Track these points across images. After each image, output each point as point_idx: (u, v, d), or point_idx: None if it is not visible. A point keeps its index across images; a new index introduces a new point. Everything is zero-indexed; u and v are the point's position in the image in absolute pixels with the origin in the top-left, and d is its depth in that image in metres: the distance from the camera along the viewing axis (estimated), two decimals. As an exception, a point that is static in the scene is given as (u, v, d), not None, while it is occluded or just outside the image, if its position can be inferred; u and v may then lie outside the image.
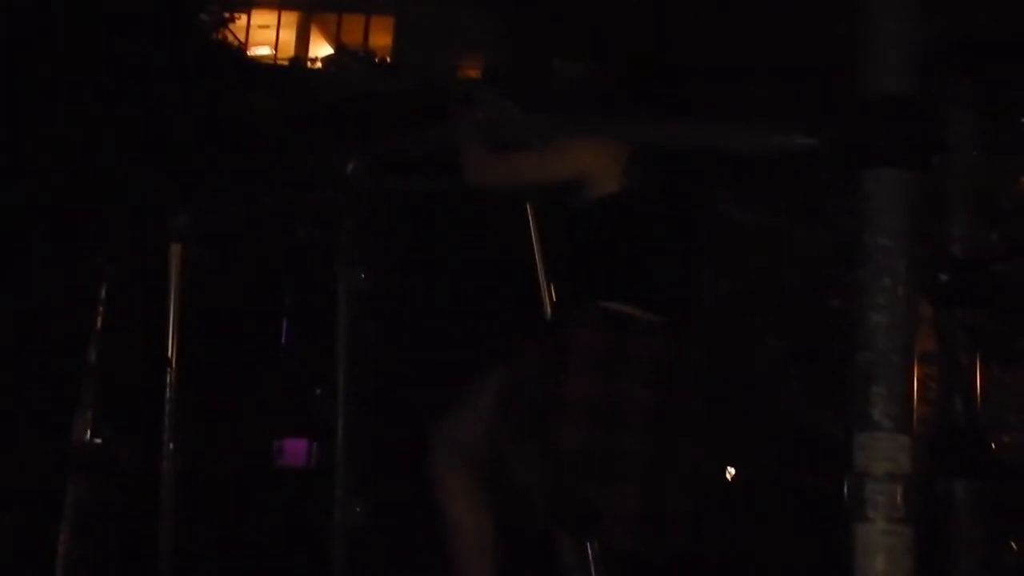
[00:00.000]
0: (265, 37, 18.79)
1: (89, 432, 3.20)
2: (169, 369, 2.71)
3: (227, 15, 7.28)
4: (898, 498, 1.02)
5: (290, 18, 19.69)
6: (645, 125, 1.81)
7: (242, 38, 13.78)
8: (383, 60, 15.06)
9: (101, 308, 3.16)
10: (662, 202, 2.10)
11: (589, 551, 2.03)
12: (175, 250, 2.72)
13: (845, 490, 1.05)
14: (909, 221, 1.17)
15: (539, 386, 2.00)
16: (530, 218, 2.37)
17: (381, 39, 18.09)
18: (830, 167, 1.29)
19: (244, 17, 13.84)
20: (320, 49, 18.43)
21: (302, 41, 19.44)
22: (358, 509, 2.16)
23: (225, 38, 7.39)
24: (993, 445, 1.84)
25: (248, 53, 14.36)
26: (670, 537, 2.02)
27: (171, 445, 2.66)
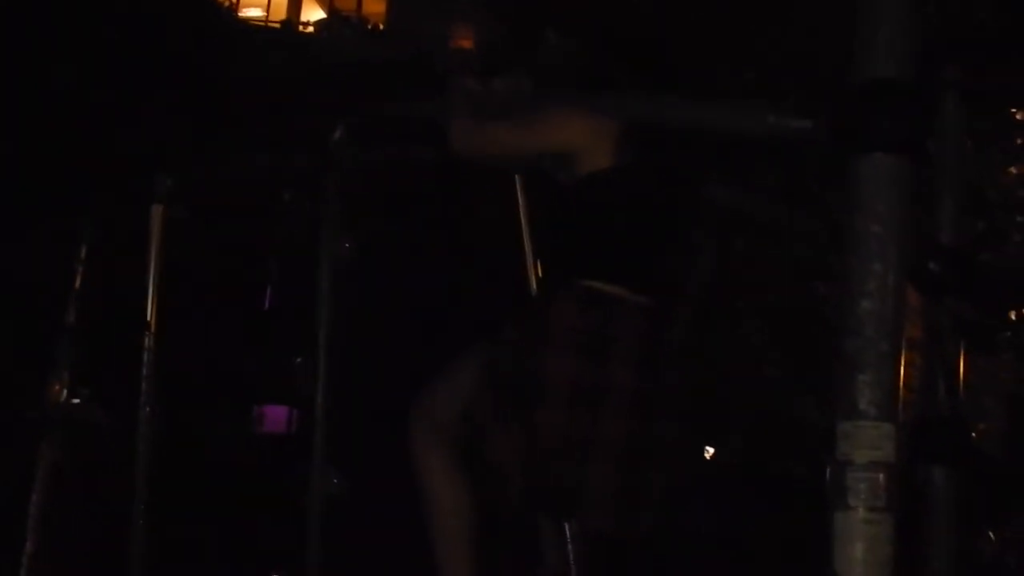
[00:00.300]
0: (257, -1, 18.60)
1: (65, 393, 3.16)
2: (148, 332, 2.68)
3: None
4: (880, 486, 1.02)
5: (283, -20, 19.49)
6: (641, 102, 1.78)
7: (233, -1, 13.62)
8: (376, 27, 14.93)
9: (80, 268, 3.11)
10: (652, 181, 2.08)
11: (567, 531, 2.02)
12: (156, 211, 2.69)
13: (827, 477, 1.04)
14: (901, 208, 1.16)
15: (520, 365, 1.99)
16: (518, 192, 2.35)
17: (375, 6, 17.93)
18: (824, 150, 1.27)
19: (236, -22, 13.68)
20: (313, 13, 18.26)
21: (294, 4, 19.25)
22: (335, 479, 2.15)
23: (216, -2, 7.31)
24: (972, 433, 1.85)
25: (239, 14, 14.20)
26: (646, 518, 2.01)
27: (147, 409, 2.65)
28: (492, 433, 1.98)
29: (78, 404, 3.29)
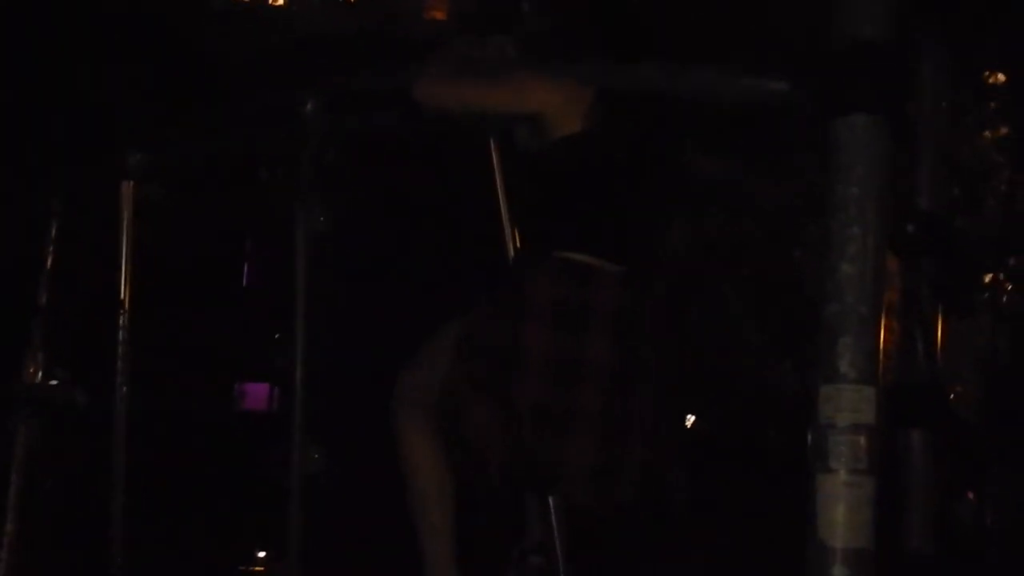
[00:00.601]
0: (225, -28, 18.29)
1: (41, 374, 3.13)
2: (121, 311, 2.65)
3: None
4: (861, 449, 1.02)
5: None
6: (616, 69, 1.77)
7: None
8: (346, -1, 14.74)
9: (51, 247, 3.06)
10: (625, 147, 2.06)
11: (551, 504, 2.02)
12: (127, 188, 2.65)
13: (808, 441, 1.04)
14: (880, 170, 1.15)
15: (496, 339, 1.98)
16: (494, 162, 2.33)
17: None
18: (802, 113, 1.26)
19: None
20: (282, -13, 17.98)
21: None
22: (316, 455, 2.14)
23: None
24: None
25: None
26: (626, 492, 2.01)
27: (123, 388, 2.62)
28: (469, 407, 1.97)
29: (55, 385, 3.26)
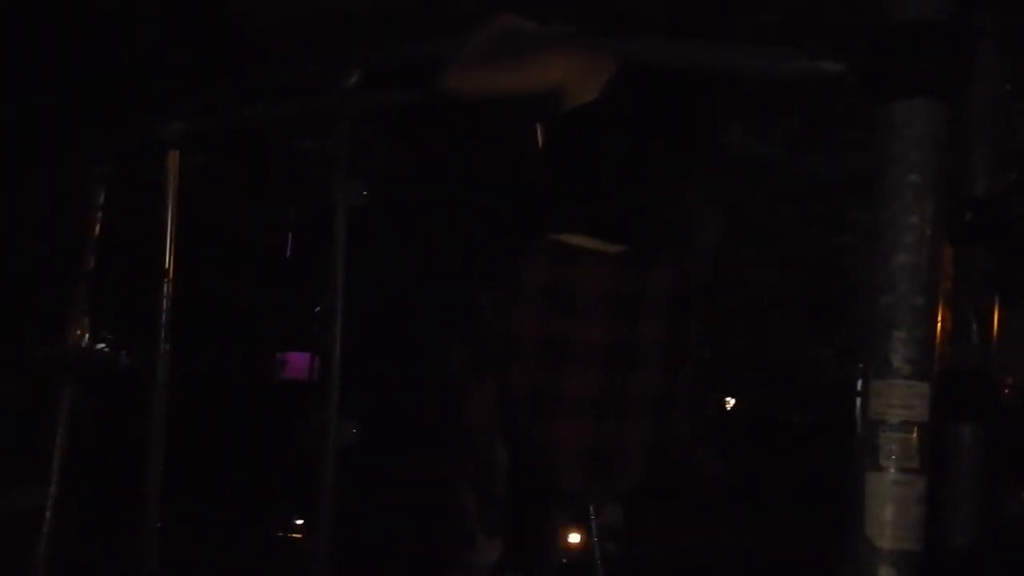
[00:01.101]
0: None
1: (86, 337, 3.16)
2: (165, 279, 2.67)
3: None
4: (913, 447, 0.98)
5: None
6: (666, 45, 1.72)
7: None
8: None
9: (98, 215, 3.09)
10: (634, 120, 1.99)
11: (591, 511, 2.00)
12: (172, 156, 2.66)
13: (858, 436, 1.01)
14: (938, 155, 1.10)
15: (494, 323, 1.96)
16: (538, 137, 2.30)
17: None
18: (855, 95, 1.22)
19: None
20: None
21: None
22: (353, 430, 2.14)
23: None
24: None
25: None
26: (630, 477, 1.97)
27: (165, 354, 2.64)
28: (471, 393, 1.96)
29: (99, 348, 3.30)
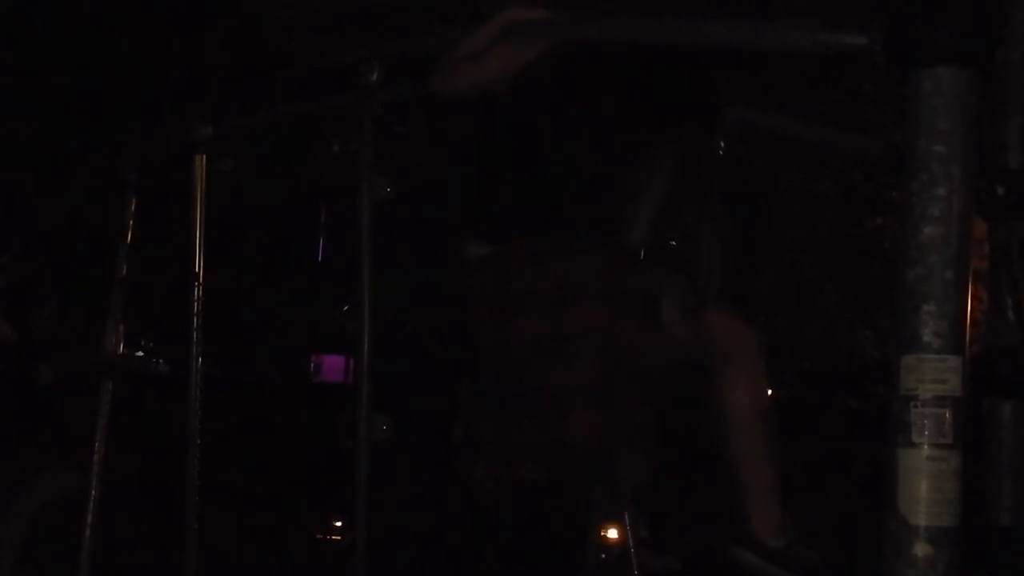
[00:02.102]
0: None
1: (122, 344, 3.19)
2: (196, 283, 2.68)
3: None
4: (946, 422, 0.96)
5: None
6: (687, 25, 1.70)
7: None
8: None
9: (131, 220, 3.11)
10: (543, 116, 1.99)
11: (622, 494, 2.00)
12: (199, 161, 2.67)
13: (891, 413, 0.99)
14: (966, 126, 1.08)
15: (475, 335, 2.03)
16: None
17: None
18: (881, 68, 1.19)
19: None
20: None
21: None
22: (384, 426, 2.14)
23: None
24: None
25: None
26: (575, 466, 1.97)
27: (198, 359, 2.66)
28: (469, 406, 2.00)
29: (135, 355, 3.33)
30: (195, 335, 2.68)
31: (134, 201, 3.08)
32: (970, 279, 1.06)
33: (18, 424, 4.00)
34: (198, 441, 2.58)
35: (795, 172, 7.59)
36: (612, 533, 2.25)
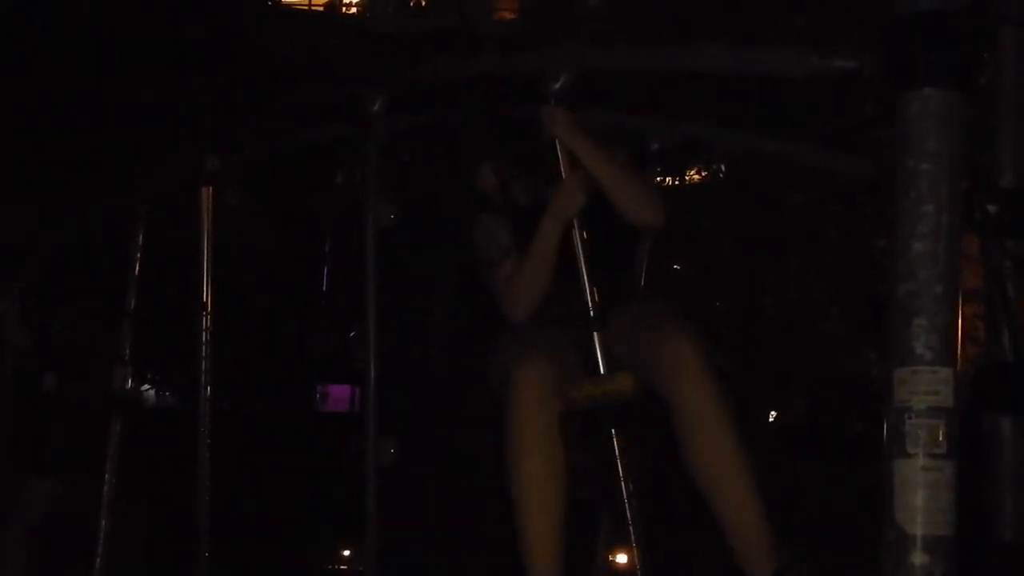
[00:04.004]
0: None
1: (130, 379, 3.22)
2: (204, 313, 2.71)
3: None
4: (940, 433, 0.98)
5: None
6: (682, 53, 1.74)
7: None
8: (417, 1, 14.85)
9: (138, 254, 3.15)
10: None
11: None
12: (205, 193, 2.71)
13: (885, 426, 1.01)
14: (953, 144, 1.11)
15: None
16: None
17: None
18: (870, 91, 1.23)
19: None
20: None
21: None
22: (391, 449, 2.16)
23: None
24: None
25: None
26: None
27: (207, 389, 2.68)
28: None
29: (143, 388, 3.35)
30: (204, 364, 2.71)
31: (141, 233, 3.12)
32: (960, 296, 1.08)
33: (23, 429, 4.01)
34: (208, 471, 2.60)
35: (798, 193, 7.62)
36: (621, 558, 2.26)
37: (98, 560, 2.94)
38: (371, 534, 2.05)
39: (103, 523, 3.01)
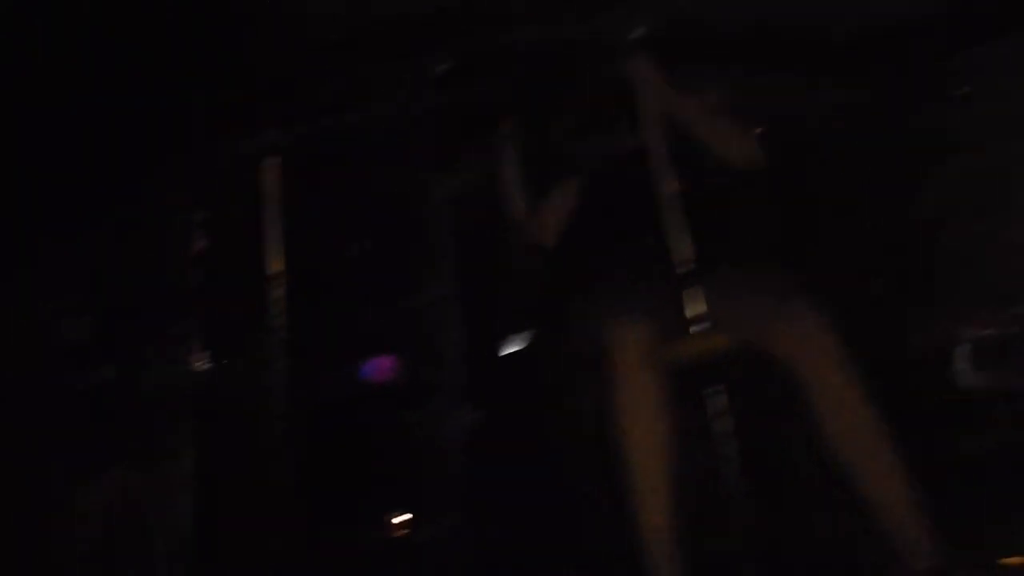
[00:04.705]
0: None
1: (201, 357, 3.22)
2: (272, 285, 2.70)
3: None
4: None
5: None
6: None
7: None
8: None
9: (201, 230, 3.14)
10: None
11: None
12: (269, 164, 2.69)
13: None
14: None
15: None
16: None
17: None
18: (947, 39, 1.15)
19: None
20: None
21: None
22: (468, 416, 2.14)
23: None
24: None
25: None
26: None
27: (279, 363, 2.67)
28: None
29: (216, 367, 3.36)
30: (274, 338, 2.70)
31: (203, 211, 3.11)
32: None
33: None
34: (284, 448, 2.59)
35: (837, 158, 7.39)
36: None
37: (181, 545, 2.95)
38: (444, 503, 2.03)
39: (184, 507, 3.02)
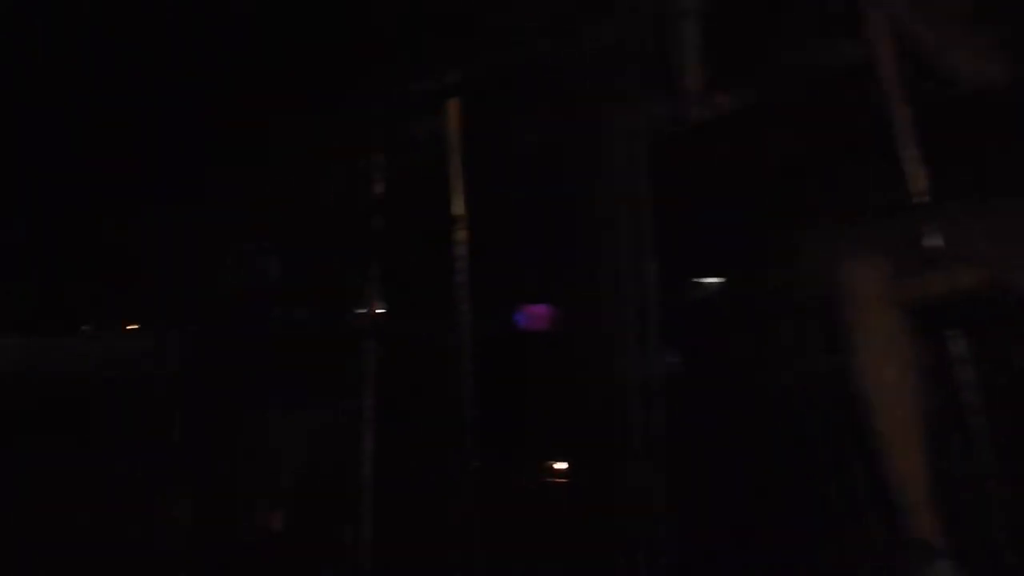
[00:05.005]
0: None
1: (382, 305, 3.23)
2: (456, 226, 2.64)
3: None
4: None
5: None
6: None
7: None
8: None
9: (380, 175, 3.12)
10: None
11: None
12: (452, 105, 2.63)
13: None
14: None
15: None
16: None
17: None
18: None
19: None
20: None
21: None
22: (653, 360, 2.03)
23: None
24: None
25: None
26: None
27: (463, 305, 2.63)
28: None
29: (392, 316, 3.35)
30: (458, 282, 2.65)
31: (384, 156, 3.09)
32: None
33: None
34: (470, 396, 2.55)
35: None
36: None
37: (364, 491, 2.98)
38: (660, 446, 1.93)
39: (366, 448, 3.05)
